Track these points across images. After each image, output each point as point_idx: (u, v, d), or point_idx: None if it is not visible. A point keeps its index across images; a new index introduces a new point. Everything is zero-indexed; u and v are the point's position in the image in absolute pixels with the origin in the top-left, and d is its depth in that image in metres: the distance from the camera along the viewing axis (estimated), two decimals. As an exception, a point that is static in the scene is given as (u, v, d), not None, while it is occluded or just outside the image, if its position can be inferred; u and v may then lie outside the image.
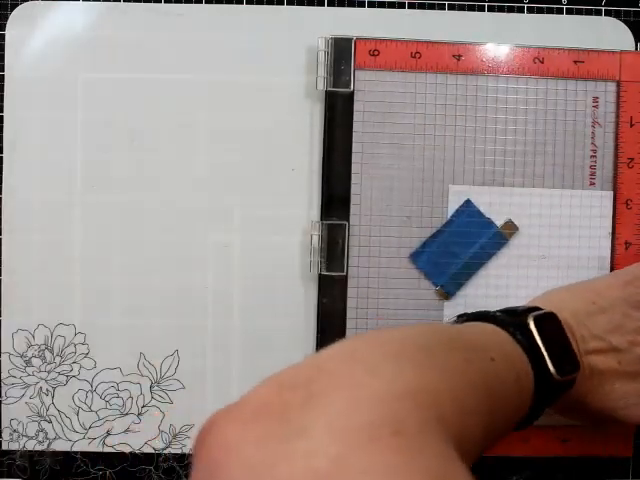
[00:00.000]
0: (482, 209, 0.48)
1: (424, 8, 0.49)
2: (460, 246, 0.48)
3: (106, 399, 0.49)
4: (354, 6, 0.49)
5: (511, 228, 0.48)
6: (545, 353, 0.33)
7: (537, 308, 0.37)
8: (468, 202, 0.48)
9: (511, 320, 0.35)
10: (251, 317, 0.49)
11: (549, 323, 0.35)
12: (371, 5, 0.49)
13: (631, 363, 0.37)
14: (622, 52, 0.48)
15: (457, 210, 0.48)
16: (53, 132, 0.48)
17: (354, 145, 0.48)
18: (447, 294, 0.48)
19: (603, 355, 0.37)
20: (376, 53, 0.47)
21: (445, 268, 0.48)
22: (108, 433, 0.49)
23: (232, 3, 0.49)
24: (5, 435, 0.48)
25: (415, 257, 0.48)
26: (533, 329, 0.34)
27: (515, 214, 0.48)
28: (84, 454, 0.49)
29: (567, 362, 0.35)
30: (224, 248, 0.48)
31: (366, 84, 0.48)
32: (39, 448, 0.49)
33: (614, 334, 0.38)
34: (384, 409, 0.24)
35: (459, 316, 0.38)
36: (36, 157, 0.48)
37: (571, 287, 0.43)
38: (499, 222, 0.48)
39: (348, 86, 0.48)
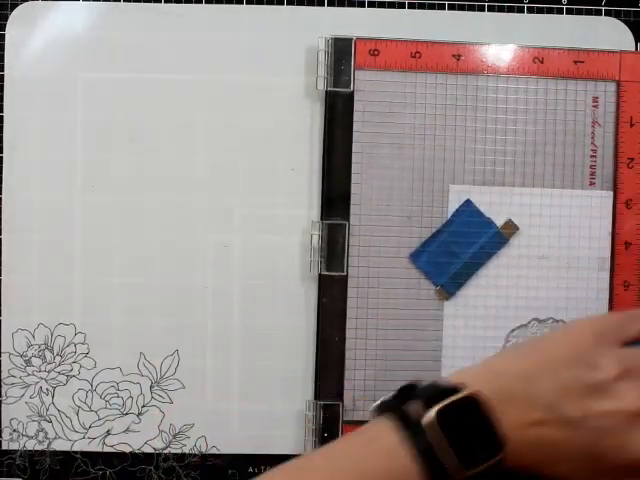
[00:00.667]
0: (482, 209, 0.48)
1: (424, 8, 0.49)
2: (460, 246, 0.48)
3: (106, 399, 0.49)
4: (354, 6, 0.49)
5: (511, 228, 0.48)
6: (441, 455, 0.29)
7: (454, 390, 0.31)
8: (468, 202, 0.48)
9: (409, 419, 0.30)
10: (251, 317, 0.49)
11: (462, 408, 0.30)
12: (371, 5, 0.49)
13: (585, 437, 0.31)
14: (622, 52, 0.48)
15: (457, 210, 0.48)
16: (53, 132, 0.48)
17: (354, 145, 0.48)
18: (447, 294, 0.48)
19: (549, 426, 0.32)
20: (376, 53, 0.47)
21: (445, 268, 0.48)
22: (108, 433, 0.49)
23: (232, 3, 0.49)
24: (5, 435, 0.48)
25: (415, 257, 0.48)
26: (433, 427, 0.29)
27: (515, 214, 0.48)
28: (84, 454, 0.49)
29: (483, 449, 0.30)
30: (224, 248, 0.48)
31: (366, 84, 0.48)
32: (39, 448, 0.49)
33: (564, 401, 0.32)
34: None
35: (379, 406, 0.33)
36: (36, 157, 0.48)
37: (517, 348, 0.39)
38: (499, 222, 0.48)
39: (348, 86, 0.48)
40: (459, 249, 0.48)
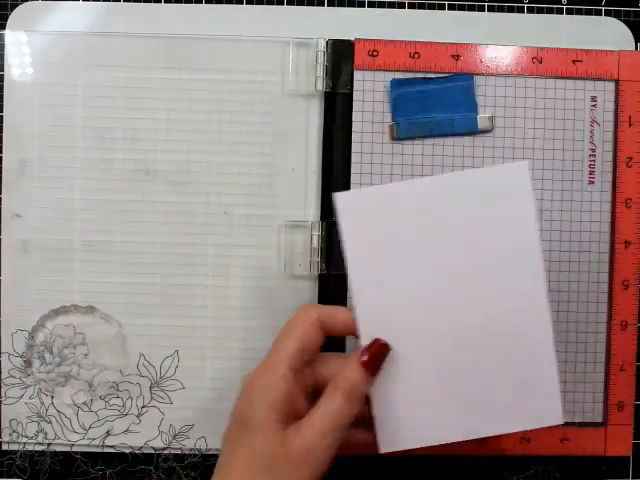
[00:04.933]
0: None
1: (424, 8, 0.49)
2: (438, 104, 0.48)
3: (106, 399, 0.48)
4: (354, 6, 0.49)
5: (489, 122, 0.48)
6: None
7: None
8: (470, 77, 0.48)
9: None
10: (251, 317, 0.49)
11: None
12: (371, 5, 0.49)
13: None
14: (620, 52, 0.48)
15: (456, 74, 0.48)
16: (53, 132, 0.48)
17: (353, 145, 0.48)
18: (396, 134, 0.48)
19: None
20: (375, 54, 0.48)
21: (411, 110, 0.48)
22: (108, 433, 0.49)
23: (232, 3, 0.49)
24: (5, 435, 0.48)
25: (394, 84, 0.48)
26: None
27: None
28: (84, 454, 0.49)
29: None
30: (224, 248, 0.48)
31: (365, 84, 0.48)
32: (39, 448, 0.48)
33: None
34: None
35: None
36: (36, 157, 0.48)
37: None
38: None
39: (347, 87, 0.48)
40: (434, 105, 0.48)
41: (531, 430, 0.39)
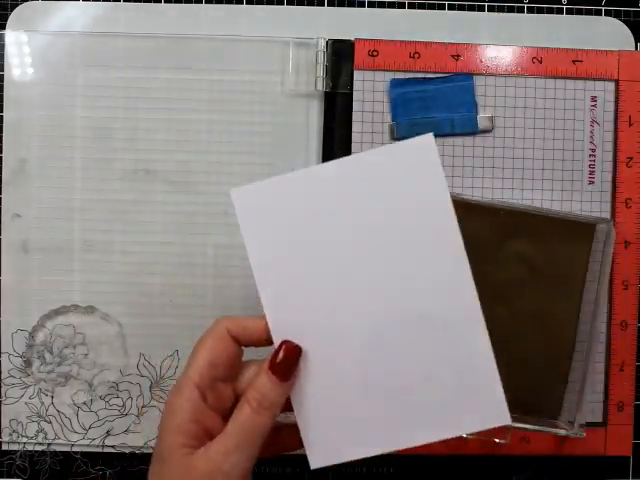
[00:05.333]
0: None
1: (424, 8, 0.49)
2: (437, 104, 0.48)
3: (106, 399, 0.48)
4: (354, 6, 0.49)
5: (489, 121, 0.48)
6: None
7: None
8: (469, 77, 0.48)
9: None
10: (251, 317, 0.48)
11: None
12: (371, 5, 0.49)
13: None
14: (620, 52, 0.48)
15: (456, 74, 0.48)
16: (53, 132, 0.48)
17: (353, 145, 0.48)
18: (397, 131, 0.48)
19: None
20: (375, 54, 0.48)
21: (410, 110, 0.48)
22: (108, 433, 0.49)
23: (232, 3, 0.49)
24: (5, 435, 0.48)
25: (393, 84, 0.48)
26: None
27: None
28: (84, 454, 0.49)
29: None
30: (224, 248, 0.48)
31: (365, 84, 0.48)
32: (39, 448, 0.48)
33: None
34: None
35: None
36: (36, 157, 0.48)
37: None
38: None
39: (347, 86, 0.48)
40: (434, 105, 0.48)
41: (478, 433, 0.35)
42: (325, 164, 0.35)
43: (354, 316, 0.35)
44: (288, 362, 0.35)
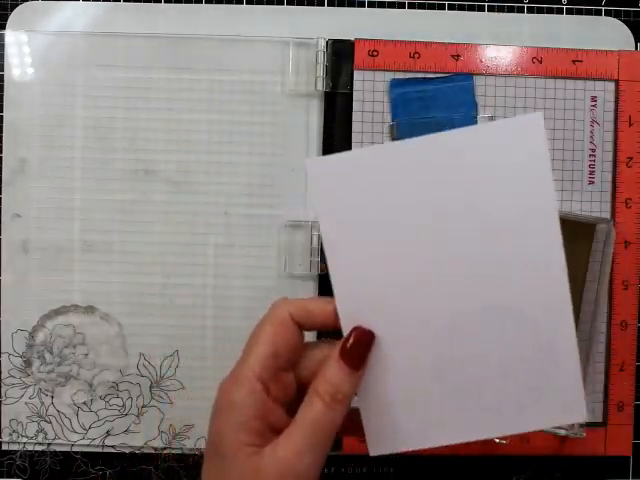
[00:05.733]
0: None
1: (424, 8, 0.49)
2: (437, 104, 0.48)
3: (106, 399, 0.48)
4: (354, 6, 0.49)
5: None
6: None
7: None
8: (469, 77, 0.48)
9: None
10: (251, 317, 0.48)
11: None
12: (371, 5, 0.49)
13: None
14: (620, 52, 0.48)
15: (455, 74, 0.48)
16: (53, 132, 0.48)
17: (353, 145, 0.48)
18: (397, 133, 0.48)
19: None
20: (375, 54, 0.48)
21: (410, 110, 0.48)
22: (108, 433, 0.49)
23: (232, 3, 0.49)
24: (5, 435, 0.48)
25: (394, 84, 0.48)
26: None
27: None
28: (84, 454, 0.49)
29: None
30: (224, 248, 0.48)
31: (365, 84, 0.48)
32: (39, 448, 0.48)
33: None
34: None
35: None
36: (36, 157, 0.48)
37: None
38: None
39: (347, 86, 0.48)
40: (434, 105, 0.48)
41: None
42: (409, 140, 0.32)
43: (430, 302, 0.33)
44: (361, 349, 0.32)
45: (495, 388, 0.33)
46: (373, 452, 0.34)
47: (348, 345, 0.32)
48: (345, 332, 0.33)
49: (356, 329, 0.32)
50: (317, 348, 0.34)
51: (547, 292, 0.32)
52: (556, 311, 0.32)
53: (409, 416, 0.34)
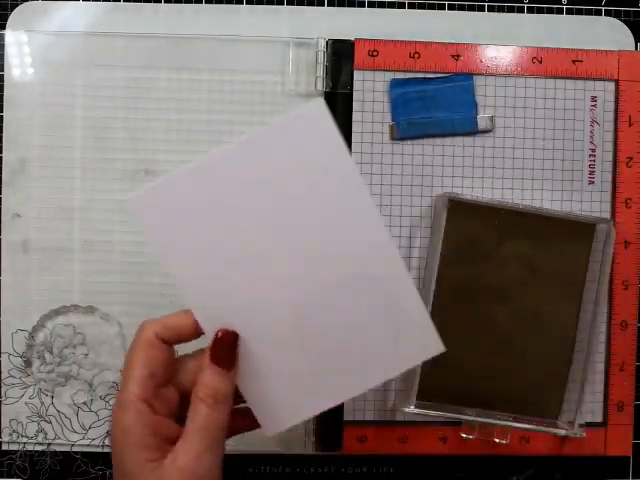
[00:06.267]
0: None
1: (424, 8, 0.49)
2: (436, 103, 0.48)
3: (106, 399, 0.48)
4: (354, 6, 0.49)
5: (489, 122, 0.48)
6: None
7: None
8: (469, 77, 0.48)
9: None
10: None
11: None
12: (371, 5, 0.49)
13: None
14: (620, 52, 0.48)
15: (456, 74, 0.48)
16: (53, 132, 0.48)
17: (353, 145, 0.48)
18: (397, 134, 0.48)
19: None
20: (375, 54, 0.48)
21: (410, 110, 0.48)
22: (108, 433, 0.49)
23: (232, 3, 0.49)
24: (5, 435, 0.48)
25: (394, 84, 0.48)
26: None
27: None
28: (84, 454, 0.49)
29: None
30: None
31: (365, 84, 0.48)
32: (39, 448, 0.48)
33: None
34: None
35: None
36: (36, 157, 0.48)
37: None
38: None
39: (347, 86, 0.48)
40: (433, 105, 0.48)
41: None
42: (214, 151, 0.34)
43: (278, 288, 0.35)
44: (227, 350, 0.35)
45: (358, 347, 0.37)
46: (268, 432, 0.37)
47: (215, 349, 0.35)
48: (209, 338, 0.35)
49: (218, 333, 0.35)
50: (192, 358, 0.37)
51: (376, 250, 0.35)
52: (390, 265, 0.36)
53: (288, 392, 0.37)
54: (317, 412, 0.37)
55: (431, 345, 0.37)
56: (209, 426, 0.34)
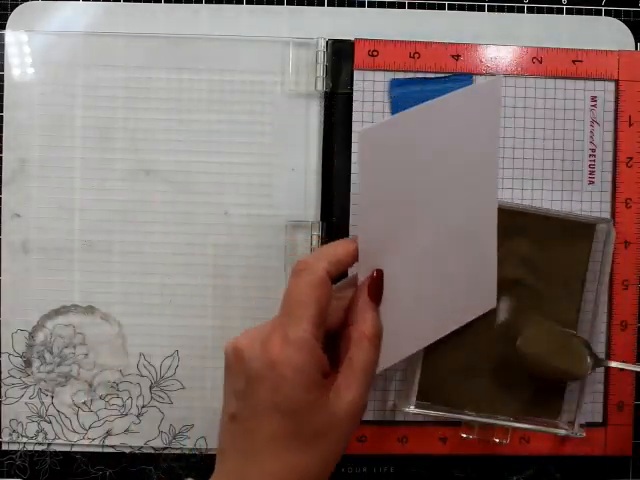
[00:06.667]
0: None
1: (424, 8, 0.49)
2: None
3: (106, 399, 0.48)
4: (354, 6, 0.49)
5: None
6: None
7: None
8: (469, 77, 0.48)
9: None
10: (251, 317, 0.48)
11: None
12: (371, 5, 0.49)
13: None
14: (620, 52, 0.48)
15: (454, 73, 0.48)
16: (53, 132, 0.48)
17: (353, 145, 0.48)
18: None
19: None
20: (375, 54, 0.48)
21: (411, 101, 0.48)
22: (108, 433, 0.49)
23: (232, 3, 0.49)
24: (5, 435, 0.48)
25: (394, 83, 0.48)
26: None
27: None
28: (84, 454, 0.49)
29: None
30: (224, 248, 0.48)
31: (365, 84, 0.48)
32: (39, 448, 0.49)
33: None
34: None
35: None
36: (36, 157, 0.48)
37: None
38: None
39: (347, 86, 0.48)
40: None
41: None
42: (421, 107, 0.36)
43: (418, 241, 0.39)
44: (381, 288, 0.37)
45: (445, 295, 0.42)
46: (378, 369, 0.38)
47: (374, 287, 0.37)
48: (364, 272, 0.37)
49: (374, 272, 0.37)
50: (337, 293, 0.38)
51: (484, 212, 0.42)
52: (488, 228, 0.42)
53: (400, 332, 0.39)
54: (416, 350, 0.42)
55: (489, 302, 0.45)
56: (372, 362, 0.36)
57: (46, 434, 0.48)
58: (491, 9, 0.49)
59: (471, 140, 0.38)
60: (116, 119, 0.48)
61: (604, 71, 0.48)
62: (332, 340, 0.37)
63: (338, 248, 0.37)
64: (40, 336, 0.48)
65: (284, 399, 0.34)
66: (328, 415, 0.34)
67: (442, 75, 0.48)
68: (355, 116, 0.48)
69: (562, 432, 0.46)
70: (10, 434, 0.48)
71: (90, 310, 0.48)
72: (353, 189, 0.48)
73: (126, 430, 0.48)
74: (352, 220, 0.48)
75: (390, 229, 0.37)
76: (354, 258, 0.37)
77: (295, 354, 0.34)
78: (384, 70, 0.48)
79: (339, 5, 0.49)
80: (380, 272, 0.37)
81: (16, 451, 0.48)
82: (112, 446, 0.49)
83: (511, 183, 0.48)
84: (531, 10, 0.49)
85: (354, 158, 0.48)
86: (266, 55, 0.48)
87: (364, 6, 0.49)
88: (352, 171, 0.48)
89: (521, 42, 0.49)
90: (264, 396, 0.34)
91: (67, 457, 0.49)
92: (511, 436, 0.47)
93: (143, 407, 0.49)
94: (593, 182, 0.49)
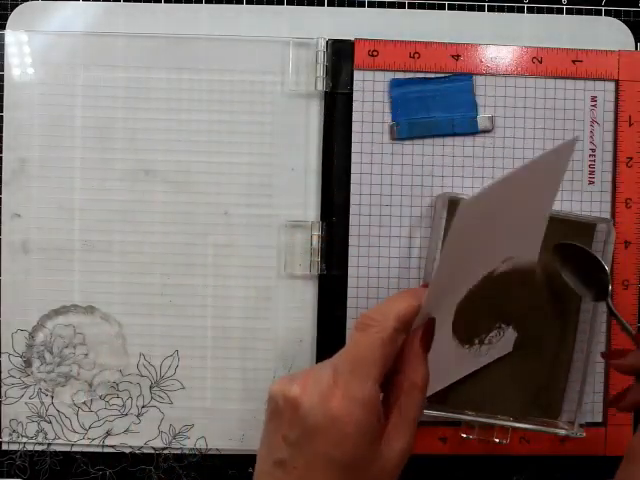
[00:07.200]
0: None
1: (424, 8, 0.49)
2: (436, 103, 0.48)
3: (106, 399, 0.48)
4: (354, 6, 0.49)
5: (489, 122, 0.49)
6: None
7: None
8: (469, 77, 0.48)
9: None
10: (251, 317, 0.49)
11: None
12: (371, 5, 0.49)
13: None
14: (620, 51, 0.48)
15: (454, 74, 0.48)
16: (53, 132, 0.48)
17: (353, 145, 0.48)
18: (397, 135, 0.48)
19: None
20: (375, 54, 0.48)
21: (410, 110, 0.48)
22: (108, 433, 0.49)
23: (232, 3, 0.49)
24: (5, 435, 0.48)
25: (393, 83, 0.48)
26: None
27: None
28: (84, 454, 0.49)
29: None
30: (224, 248, 0.48)
31: (365, 84, 0.48)
32: (39, 448, 0.49)
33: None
34: None
35: None
36: (36, 157, 0.48)
37: None
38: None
39: (347, 86, 0.48)
40: (433, 105, 0.48)
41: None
42: (506, 176, 0.36)
43: (462, 288, 0.40)
44: (432, 338, 0.37)
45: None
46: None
47: (426, 337, 0.37)
48: (419, 320, 0.36)
49: (430, 319, 0.37)
50: None
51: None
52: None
53: (439, 370, 0.39)
54: (448, 383, 0.45)
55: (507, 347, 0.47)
56: (421, 411, 0.36)
57: (46, 434, 0.48)
58: (491, 9, 0.49)
59: (535, 197, 0.39)
60: (116, 119, 0.48)
61: (604, 71, 0.48)
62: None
63: (403, 304, 0.36)
64: (40, 336, 0.48)
65: (343, 454, 0.34)
66: (381, 465, 0.35)
67: (442, 75, 0.48)
68: (355, 116, 0.48)
69: (562, 432, 0.46)
70: (10, 434, 0.48)
71: (90, 310, 0.48)
72: (353, 189, 0.48)
73: (126, 430, 0.49)
74: (352, 220, 0.48)
75: (451, 284, 0.38)
76: (416, 315, 0.36)
77: (358, 411, 0.34)
78: (384, 70, 0.48)
79: (339, 5, 0.49)
80: (433, 321, 0.37)
81: (16, 451, 0.48)
82: (112, 446, 0.49)
83: (511, 183, 0.48)
84: (531, 10, 0.49)
85: (354, 158, 0.48)
86: (266, 55, 0.48)
87: (364, 6, 0.49)
88: (352, 171, 0.48)
89: (521, 42, 0.49)
90: (322, 449, 0.34)
91: (67, 457, 0.49)
92: (511, 436, 0.47)
93: (143, 407, 0.49)
94: (593, 182, 0.49)
